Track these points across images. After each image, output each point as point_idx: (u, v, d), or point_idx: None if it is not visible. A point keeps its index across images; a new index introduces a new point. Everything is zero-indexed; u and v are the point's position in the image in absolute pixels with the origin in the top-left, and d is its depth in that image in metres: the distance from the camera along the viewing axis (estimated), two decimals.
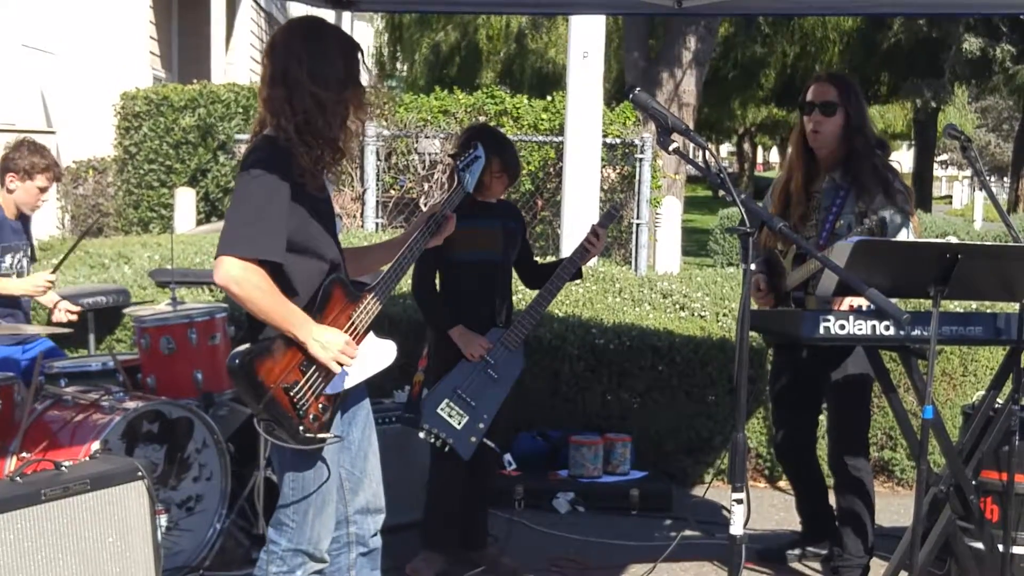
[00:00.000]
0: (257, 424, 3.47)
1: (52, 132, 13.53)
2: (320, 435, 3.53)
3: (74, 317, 6.01)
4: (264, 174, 3.43)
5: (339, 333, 3.56)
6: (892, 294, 4.11)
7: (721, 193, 3.44)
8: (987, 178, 5.03)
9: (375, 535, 3.89)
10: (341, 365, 3.55)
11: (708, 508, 6.40)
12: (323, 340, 3.50)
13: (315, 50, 3.54)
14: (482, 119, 12.38)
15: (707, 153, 3.45)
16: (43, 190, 5.92)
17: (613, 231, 12.18)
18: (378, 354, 3.73)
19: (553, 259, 8.83)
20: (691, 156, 3.67)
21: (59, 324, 5.87)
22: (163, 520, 4.89)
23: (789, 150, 5.44)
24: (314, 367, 3.52)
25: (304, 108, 3.50)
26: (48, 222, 13.46)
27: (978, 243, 4.85)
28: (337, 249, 3.69)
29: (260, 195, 3.43)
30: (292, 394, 3.47)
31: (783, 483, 7.16)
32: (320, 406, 3.54)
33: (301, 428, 3.48)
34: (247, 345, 3.51)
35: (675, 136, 3.47)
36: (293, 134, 3.49)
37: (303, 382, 3.50)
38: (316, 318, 3.53)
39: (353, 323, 3.63)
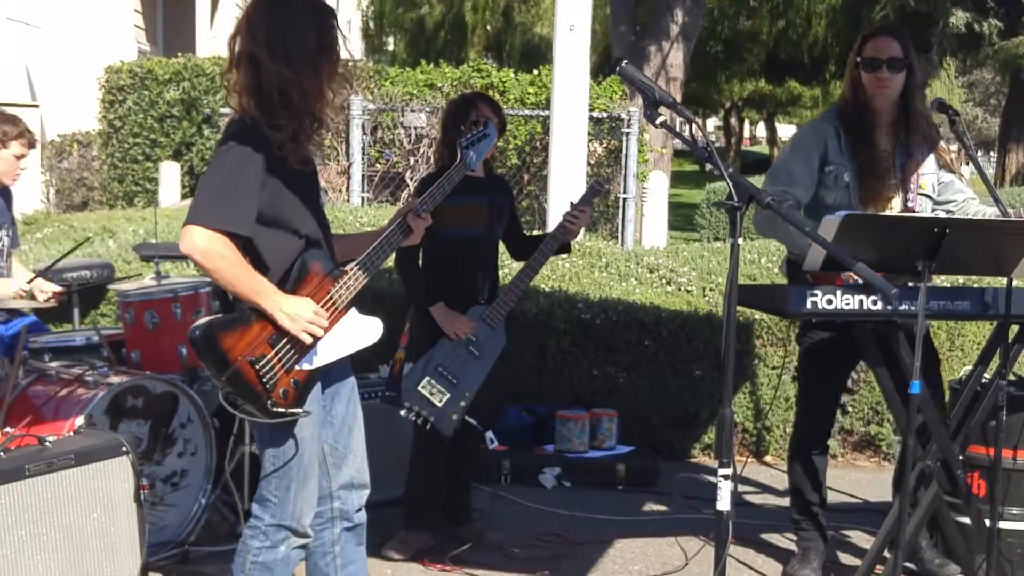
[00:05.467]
0: (222, 398, 3.44)
1: (36, 106, 13.48)
2: (291, 410, 3.50)
3: (59, 299, 5.95)
4: (237, 147, 3.41)
5: (307, 302, 3.50)
6: (880, 269, 4.09)
7: (708, 167, 3.42)
8: (975, 152, 4.99)
9: (360, 510, 3.86)
10: (313, 337, 3.51)
11: (694, 483, 6.40)
12: (290, 311, 3.45)
13: (281, 25, 3.48)
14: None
15: (694, 126, 3.42)
16: (19, 157, 5.84)
17: (599, 205, 12.17)
18: (360, 331, 3.69)
19: (539, 233, 8.86)
20: (678, 130, 3.64)
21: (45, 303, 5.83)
22: (148, 495, 4.89)
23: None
24: (284, 341, 3.48)
25: (275, 87, 3.45)
26: (32, 196, 13.40)
27: (966, 218, 4.84)
28: (317, 224, 3.64)
29: (231, 167, 3.40)
30: (258, 367, 3.42)
31: (769, 457, 7.17)
32: (292, 380, 3.50)
33: (270, 403, 3.44)
34: (211, 316, 3.48)
35: (662, 109, 3.44)
36: (260, 115, 3.45)
37: (271, 355, 3.46)
38: (292, 293, 3.50)
39: (332, 298, 3.58)
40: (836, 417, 6.10)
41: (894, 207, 4.87)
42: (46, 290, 5.84)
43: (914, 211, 4.86)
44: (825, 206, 4.77)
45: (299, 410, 3.53)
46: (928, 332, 5.14)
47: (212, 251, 3.36)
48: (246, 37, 3.50)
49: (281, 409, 3.47)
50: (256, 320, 3.46)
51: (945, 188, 5.04)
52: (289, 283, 3.50)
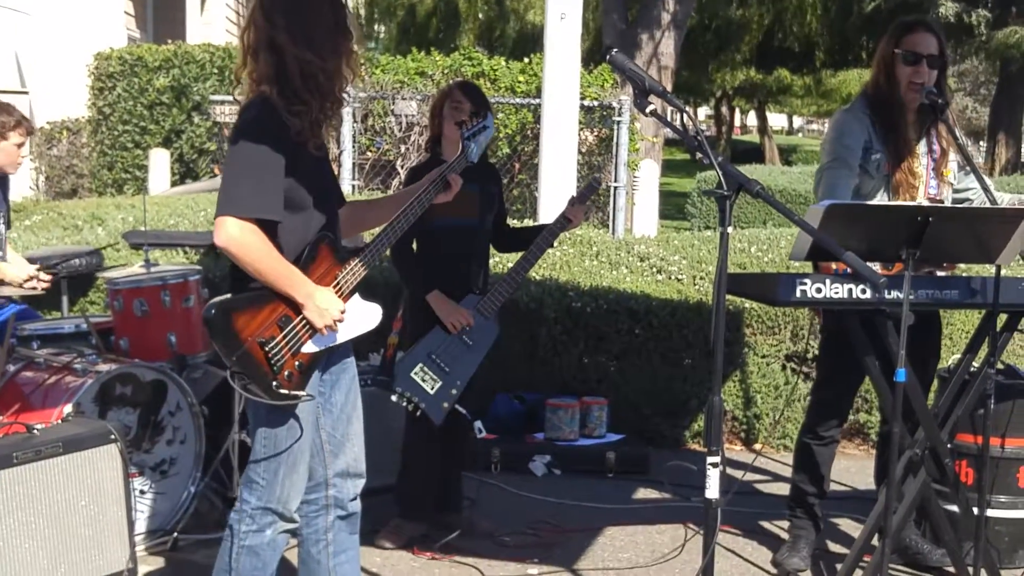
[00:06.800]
0: (230, 377, 3.44)
1: (25, 92, 13.44)
2: (294, 392, 3.50)
3: (46, 285, 5.92)
4: (260, 133, 3.39)
5: (338, 300, 3.55)
6: (865, 258, 4.10)
7: (698, 156, 3.42)
8: (964, 141, 4.99)
9: (355, 499, 3.85)
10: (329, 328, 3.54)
11: (684, 471, 6.40)
12: (323, 305, 3.49)
13: (300, 8, 3.47)
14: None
15: (684, 115, 3.42)
16: (20, 146, 5.83)
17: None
18: (362, 316, 3.70)
19: (531, 222, 8.86)
20: (668, 119, 3.64)
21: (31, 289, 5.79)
22: (137, 483, 4.89)
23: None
24: (294, 324, 3.49)
25: (298, 73, 3.44)
26: (22, 183, 13.37)
27: (949, 205, 4.84)
28: (331, 208, 3.65)
29: (257, 154, 3.39)
30: (268, 349, 3.43)
31: (758, 445, 7.18)
32: (297, 363, 3.51)
33: (275, 384, 3.45)
34: (226, 296, 3.47)
35: (652, 98, 3.44)
36: (282, 102, 3.43)
37: (280, 338, 3.47)
38: None
39: (339, 284, 3.60)
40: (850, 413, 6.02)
41: (920, 196, 4.88)
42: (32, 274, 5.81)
43: (939, 200, 4.88)
44: (861, 195, 4.80)
45: (302, 393, 3.53)
46: (940, 324, 5.16)
47: (247, 242, 3.37)
48: (263, 25, 3.47)
49: (284, 391, 3.48)
50: (267, 301, 3.46)
51: (964, 177, 5.07)
52: (299, 266, 3.51)
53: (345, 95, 3.60)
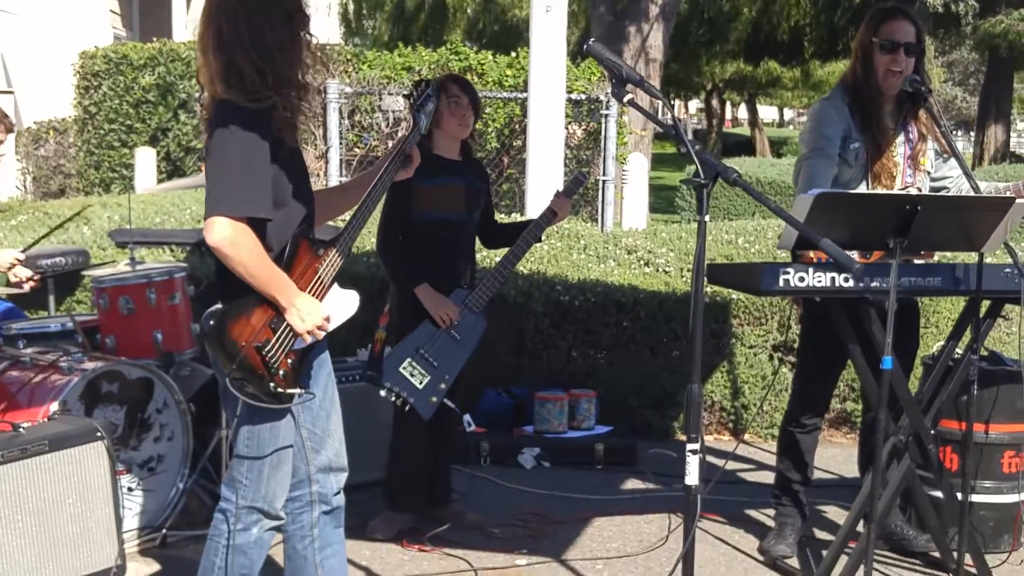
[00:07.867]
0: (230, 382, 3.42)
1: (11, 92, 13.43)
2: (289, 391, 3.51)
3: (35, 284, 5.89)
4: (242, 131, 3.35)
5: (319, 306, 3.53)
6: (852, 247, 4.12)
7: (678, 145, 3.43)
8: (949, 130, 5.00)
9: (338, 493, 3.86)
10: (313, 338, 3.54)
11: (672, 461, 6.41)
12: (304, 311, 3.47)
13: (241, 9, 3.41)
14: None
15: (662, 104, 3.43)
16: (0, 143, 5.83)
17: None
18: (343, 304, 3.70)
19: (519, 217, 8.87)
20: (650, 109, 3.65)
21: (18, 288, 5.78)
22: (124, 480, 4.89)
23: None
24: (285, 324, 3.49)
25: (265, 63, 3.41)
26: (8, 183, 13.35)
27: (937, 195, 4.86)
28: (308, 198, 3.64)
29: (243, 153, 3.35)
30: (264, 352, 3.43)
31: (748, 436, 7.19)
32: (289, 362, 3.51)
33: (272, 385, 3.45)
34: (219, 306, 3.46)
35: (630, 87, 3.44)
36: (250, 100, 3.41)
37: (274, 340, 3.46)
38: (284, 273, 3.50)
39: (320, 278, 3.59)
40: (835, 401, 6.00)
41: (896, 185, 4.89)
42: (20, 275, 5.81)
43: (917, 188, 4.90)
44: (840, 183, 4.81)
45: (300, 391, 3.54)
46: (918, 309, 5.19)
47: (240, 242, 3.34)
48: (220, 54, 3.41)
49: (280, 390, 3.48)
50: (257, 306, 3.46)
51: (941, 164, 5.08)
52: (282, 263, 3.50)
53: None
